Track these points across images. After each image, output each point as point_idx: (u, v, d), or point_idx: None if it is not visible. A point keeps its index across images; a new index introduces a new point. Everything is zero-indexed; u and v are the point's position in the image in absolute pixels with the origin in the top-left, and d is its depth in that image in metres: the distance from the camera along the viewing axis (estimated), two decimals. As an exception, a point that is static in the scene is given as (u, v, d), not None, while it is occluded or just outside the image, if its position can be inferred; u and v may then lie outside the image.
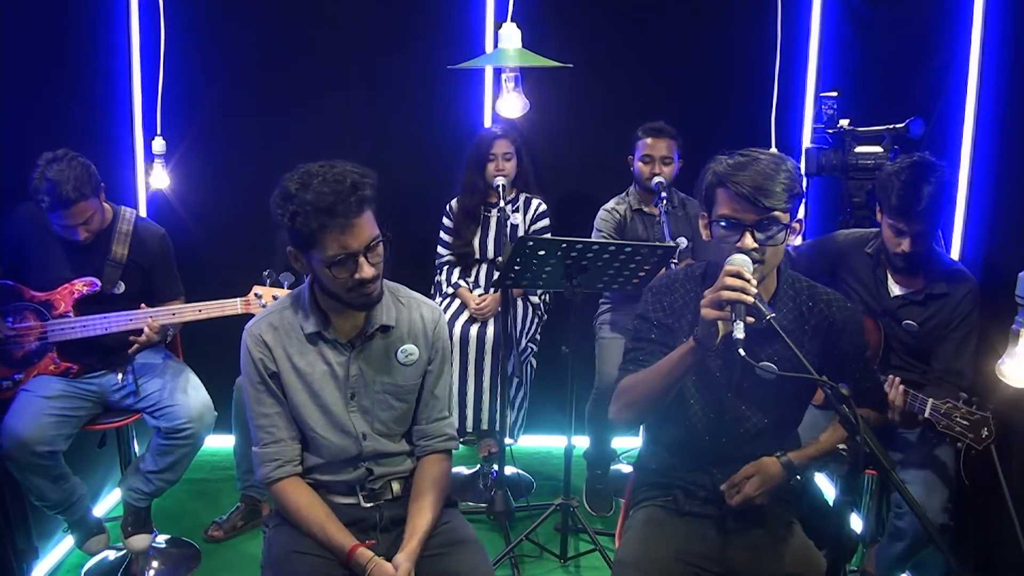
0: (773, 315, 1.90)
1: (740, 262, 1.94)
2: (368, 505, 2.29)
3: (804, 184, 2.16)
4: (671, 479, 2.31)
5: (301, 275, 2.51)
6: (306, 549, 2.17)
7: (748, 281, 1.89)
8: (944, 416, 2.54)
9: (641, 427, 2.41)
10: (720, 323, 1.95)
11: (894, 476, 1.71)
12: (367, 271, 2.08)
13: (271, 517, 2.33)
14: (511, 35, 1.99)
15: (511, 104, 2.11)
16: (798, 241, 3.27)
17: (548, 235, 3.90)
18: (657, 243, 3.22)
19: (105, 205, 3.10)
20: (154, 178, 3.03)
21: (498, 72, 4.15)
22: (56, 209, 2.89)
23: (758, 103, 3.89)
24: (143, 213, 4.17)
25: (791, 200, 2.06)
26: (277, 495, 2.24)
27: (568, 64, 2.15)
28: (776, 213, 2.04)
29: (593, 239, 3.09)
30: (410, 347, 2.28)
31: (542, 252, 3.11)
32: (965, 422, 2.49)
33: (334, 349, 2.23)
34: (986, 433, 2.48)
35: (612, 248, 3.12)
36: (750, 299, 1.88)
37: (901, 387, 2.67)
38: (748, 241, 2.04)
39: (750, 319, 1.89)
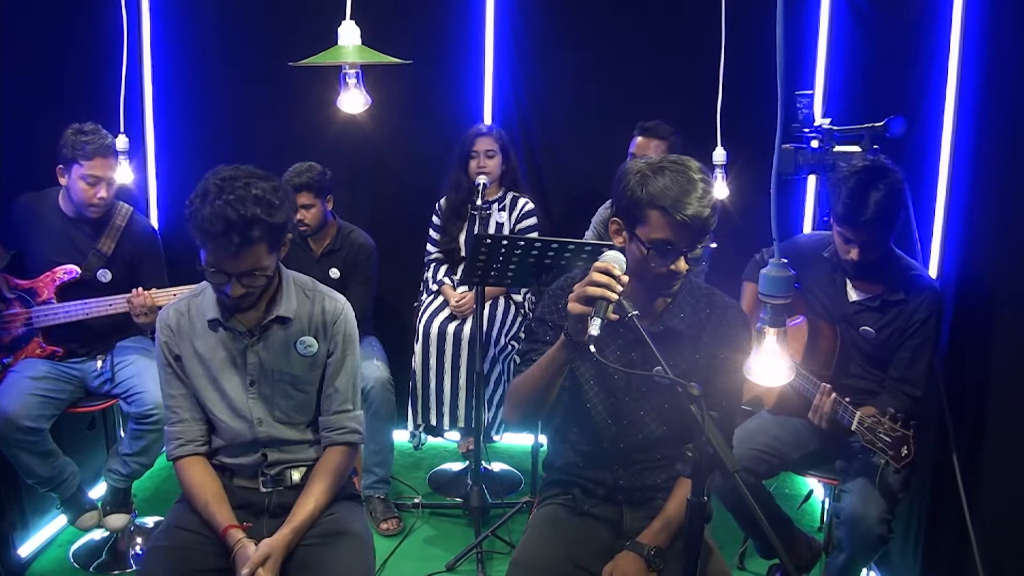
0: (636, 313, 1.90)
1: (611, 259, 1.93)
2: (266, 490, 2.35)
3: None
4: (572, 476, 2.30)
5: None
6: (189, 526, 2.26)
7: (616, 279, 1.88)
8: (868, 430, 2.46)
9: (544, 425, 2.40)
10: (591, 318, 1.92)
11: (737, 480, 1.68)
12: (233, 291, 2.16)
13: (181, 494, 2.40)
14: (350, 33, 2.03)
15: (352, 100, 2.14)
16: None
17: (535, 234, 3.91)
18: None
19: None
20: (119, 174, 3.17)
21: (497, 69, 4.23)
22: (93, 157, 3.09)
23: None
24: (154, 212, 4.38)
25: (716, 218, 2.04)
26: (177, 472, 2.34)
27: (408, 61, 2.16)
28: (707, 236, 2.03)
29: (555, 238, 3.10)
30: (309, 339, 2.33)
31: (503, 250, 3.14)
32: (887, 438, 2.41)
33: (233, 337, 2.30)
34: (905, 451, 2.39)
35: (572, 247, 3.12)
36: (614, 296, 1.86)
37: (833, 395, 2.60)
38: (682, 265, 2.03)
39: (614, 316, 1.88)
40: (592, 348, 1.81)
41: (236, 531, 2.20)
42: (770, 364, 1.57)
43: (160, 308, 3.14)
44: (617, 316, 1.89)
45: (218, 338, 2.30)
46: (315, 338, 2.33)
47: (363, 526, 2.36)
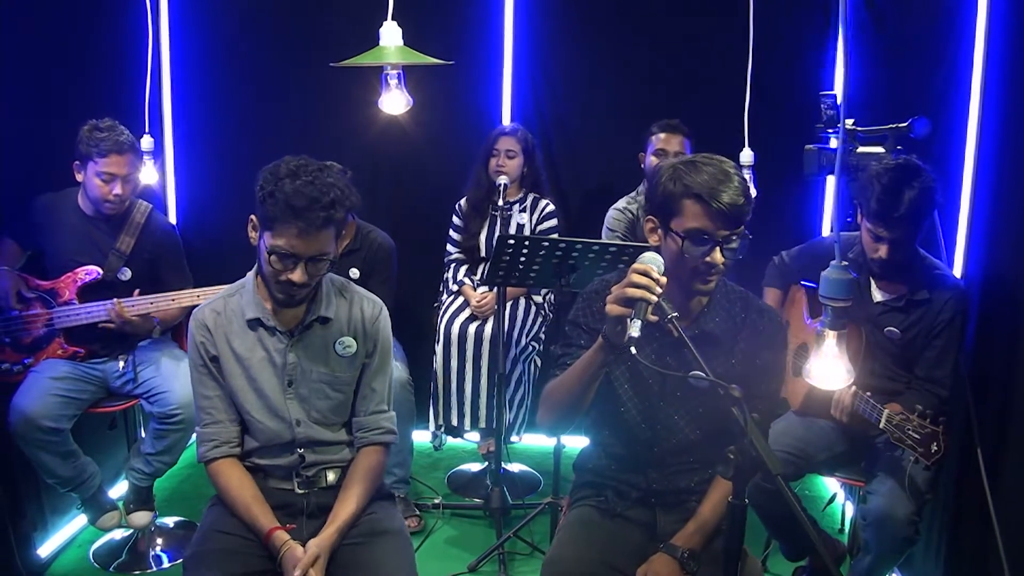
0: (676, 315, 1.89)
1: (649, 260, 1.92)
2: (302, 491, 2.35)
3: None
4: (605, 479, 2.30)
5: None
6: (230, 529, 2.24)
7: (656, 281, 1.87)
8: (897, 428, 2.45)
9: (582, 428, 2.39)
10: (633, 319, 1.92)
11: (780, 482, 1.67)
12: (298, 276, 2.16)
13: (213, 497, 2.40)
14: (392, 33, 2.02)
15: (394, 101, 2.15)
16: None
17: (556, 235, 3.90)
18: (643, 243, 3.19)
19: None
20: (143, 174, 3.17)
21: (517, 71, 4.23)
22: (108, 154, 3.07)
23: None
24: (172, 212, 4.38)
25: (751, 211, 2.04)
26: (212, 474, 2.32)
27: (450, 62, 2.16)
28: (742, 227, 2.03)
29: (577, 238, 3.09)
30: (348, 339, 2.34)
31: (526, 251, 3.14)
32: (916, 435, 2.40)
33: (273, 336, 2.30)
34: (935, 448, 2.38)
35: (596, 248, 3.12)
36: (654, 298, 1.86)
37: (853, 388, 2.59)
38: (718, 256, 2.02)
39: (653, 318, 1.88)
40: (633, 349, 1.81)
41: (281, 533, 2.20)
42: (830, 367, 1.56)
43: (141, 316, 3.19)
44: (656, 318, 1.88)
45: (257, 338, 2.30)
46: (354, 339, 2.35)
47: (401, 524, 2.39)
